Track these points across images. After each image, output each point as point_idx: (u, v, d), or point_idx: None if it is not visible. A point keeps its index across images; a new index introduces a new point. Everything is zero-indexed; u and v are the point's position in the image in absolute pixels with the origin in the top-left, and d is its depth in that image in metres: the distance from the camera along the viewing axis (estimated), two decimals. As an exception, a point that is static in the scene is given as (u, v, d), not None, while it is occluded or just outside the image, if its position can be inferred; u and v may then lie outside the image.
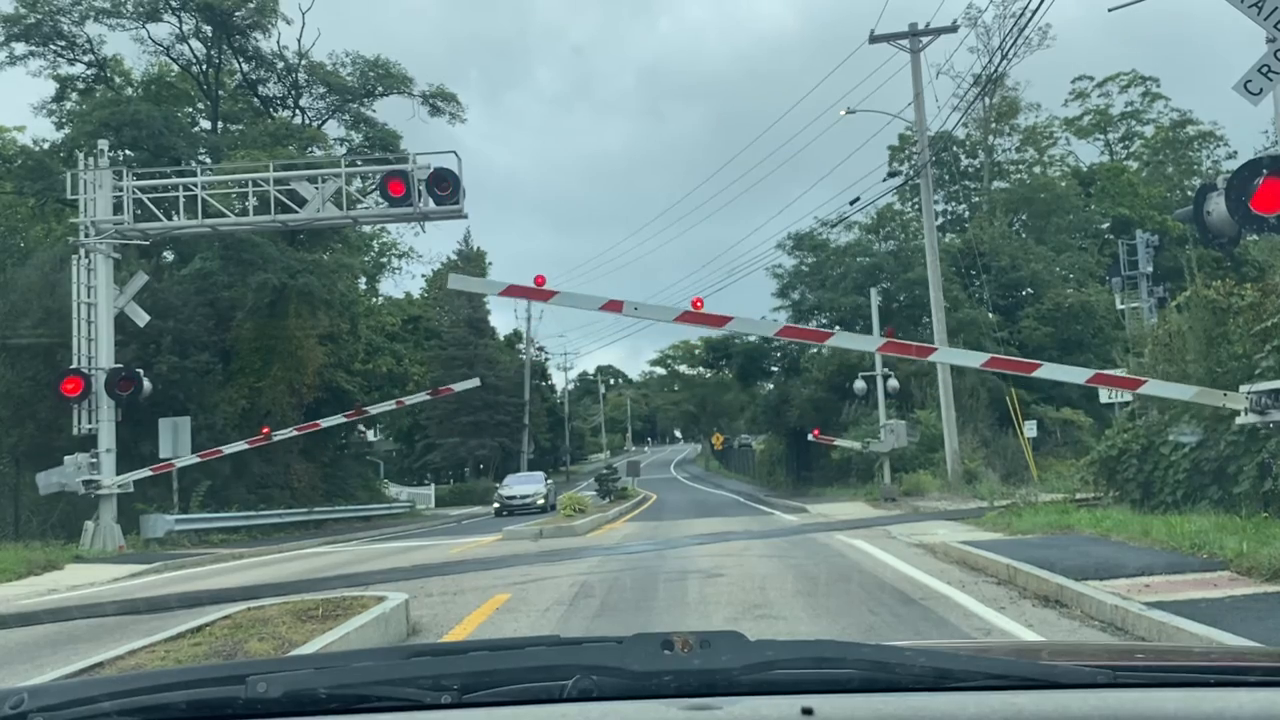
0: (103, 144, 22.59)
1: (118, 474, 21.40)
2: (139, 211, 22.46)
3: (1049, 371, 12.10)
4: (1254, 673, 1.62)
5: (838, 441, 31.87)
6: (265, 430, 24.03)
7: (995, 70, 41.13)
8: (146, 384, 21.46)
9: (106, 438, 21.28)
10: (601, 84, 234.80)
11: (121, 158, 28.46)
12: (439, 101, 34.16)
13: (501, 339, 72.87)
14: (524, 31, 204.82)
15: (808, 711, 1.39)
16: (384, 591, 9.37)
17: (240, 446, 23.81)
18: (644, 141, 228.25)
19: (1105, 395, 21.24)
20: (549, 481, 40.02)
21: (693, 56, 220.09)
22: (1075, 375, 12.21)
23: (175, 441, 23.69)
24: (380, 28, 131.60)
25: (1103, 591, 8.33)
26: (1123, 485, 15.81)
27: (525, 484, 38.19)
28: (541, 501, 35.51)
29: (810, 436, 33.78)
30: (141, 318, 22.23)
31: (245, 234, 25.75)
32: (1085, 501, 16.82)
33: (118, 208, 21.62)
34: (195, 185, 22.09)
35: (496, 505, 36.68)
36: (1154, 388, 11.53)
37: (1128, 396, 17.89)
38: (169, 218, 22.92)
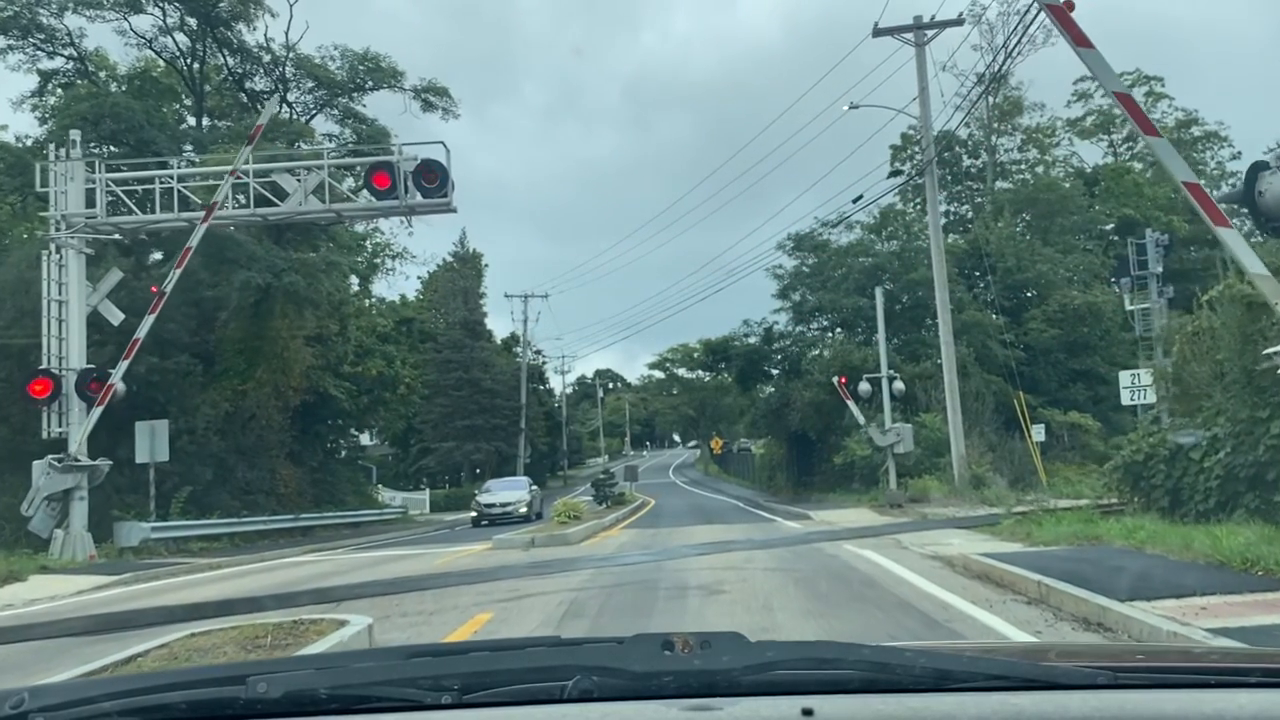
0: (74, 134, 21.59)
1: (90, 482, 20.35)
2: (119, 206, 21.52)
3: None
4: (1254, 674, 1.62)
5: (850, 403, 30.17)
6: (154, 290, 21.26)
7: (1000, 68, 40.29)
8: (120, 385, 20.43)
9: (83, 451, 20.22)
10: (589, 95, 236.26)
11: (107, 153, 27.53)
12: (431, 96, 33.15)
13: (498, 342, 71.96)
14: (509, 45, 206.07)
15: (808, 712, 1.39)
16: (348, 614, 8.41)
17: (149, 323, 20.72)
18: (633, 150, 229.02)
19: (1128, 397, 20.25)
20: (534, 488, 36.77)
21: (679, 68, 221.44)
22: (1179, 170, 10.80)
23: (153, 446, 22.76)
24: (369, 38, 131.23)
25: (1154, 615, 7.40)
26: (1149, 492, 14.88)
27: (506, 490, 34.89)
28: (524, 510, 32.87)
29: (836, 382, 31.65)
30: (115, 316, 21.24)
31: (227, 231, 24.76)
32: (1109, 508, 15.88)
33: (90, 201, 20.64)
34: (171, 178, 21.10)
35: (474, 514, 33.73)
36: (1230, 237, 10.19)
37: (1152, 398, 16.94)
38: (146, 213, 21.93)
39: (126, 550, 21.41)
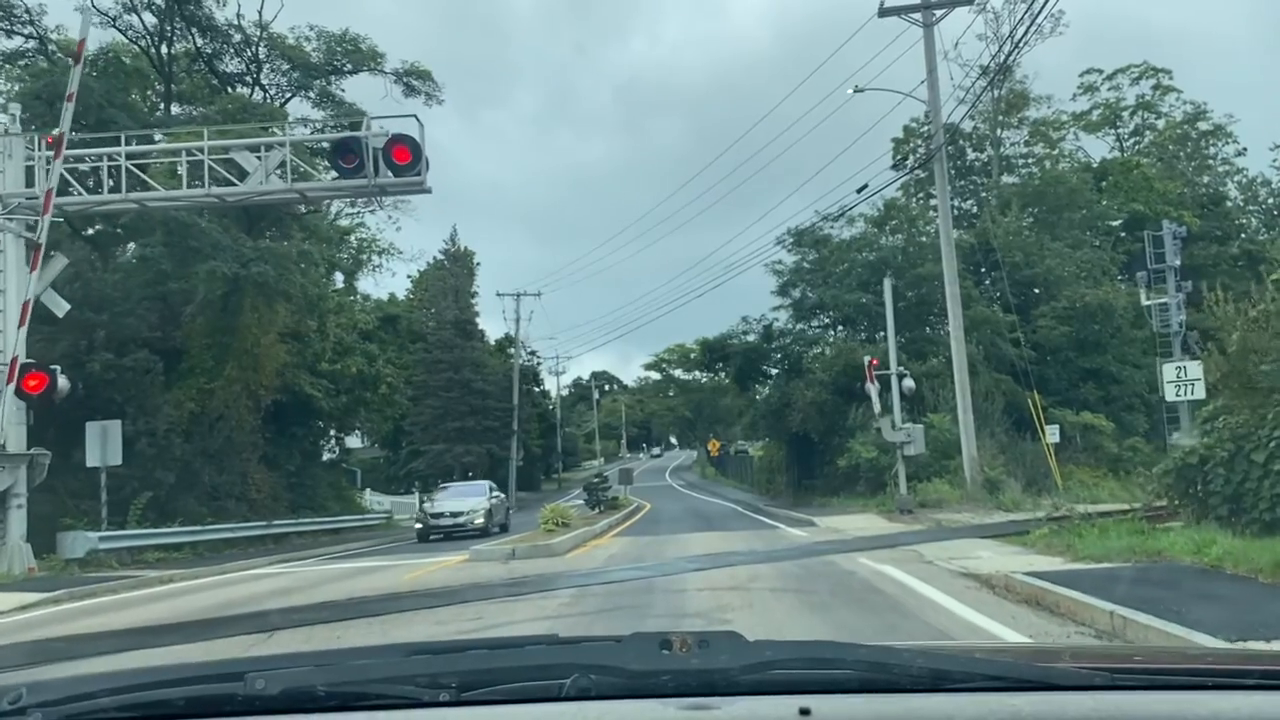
0: (14, 108, 19.81)
1: (29, 484, 18.58)
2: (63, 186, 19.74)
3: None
4: (1251, 675, 1.59)
5: (870, 387, 27.19)
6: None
7: (1006, 58, 38.64)
8: (62, 381, 18.57)
9: (16, 442, 18.47)
10: (581, 98, 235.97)
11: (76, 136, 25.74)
12: (413, 80, 31.34)
13: (491, 343, 70.23)
14: (501, 49, 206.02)
15: (805, 712, 1.38)
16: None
17: (33, 281, 17.74)
18: (626, 153, 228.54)
19: (1173, 392, 18.54)
20: (496, 494, 31.22)
21: (670, 72, 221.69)
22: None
23: (104, 448, 21.04)
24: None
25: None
26: (1204, 498, 13.20)
27: (459, 498, 28.90)
28: (481, 520, 27.13)
29: (867, 363, 28.30)
30: (60, 307, 19.49)
31: (188, 217, 23.01)
32: (1156, 514, 14.22)
33: (30, 181, 18.88)
34: (119, 155, 19.32)
35: (419, 526, 28.20)
36: None
37: (1201, 393, 15.29)
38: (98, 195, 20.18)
39: (72, 563, 19.64)
